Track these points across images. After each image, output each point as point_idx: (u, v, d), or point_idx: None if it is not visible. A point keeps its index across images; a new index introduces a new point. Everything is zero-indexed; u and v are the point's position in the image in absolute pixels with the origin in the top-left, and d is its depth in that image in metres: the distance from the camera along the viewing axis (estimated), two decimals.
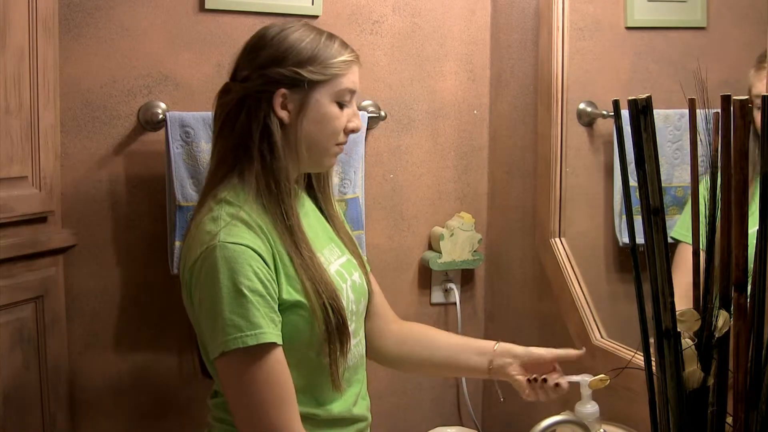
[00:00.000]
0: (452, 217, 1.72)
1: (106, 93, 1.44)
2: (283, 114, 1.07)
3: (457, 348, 1.24)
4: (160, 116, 1.44)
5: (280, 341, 1.00)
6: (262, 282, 0.99)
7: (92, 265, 1.46)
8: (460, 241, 1.68)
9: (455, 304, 1.74)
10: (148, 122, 1.45)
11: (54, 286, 1.38)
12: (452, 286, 1.74)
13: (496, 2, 1.70)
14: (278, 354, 1.00)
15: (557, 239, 1.45)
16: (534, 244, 1.54)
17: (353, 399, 1.15)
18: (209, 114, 1.42)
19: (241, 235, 1.01)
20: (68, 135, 1.42)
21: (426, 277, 1.74)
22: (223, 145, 1.10)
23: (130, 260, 1.49)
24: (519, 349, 1.18)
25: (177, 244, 1.42)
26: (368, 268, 1.26)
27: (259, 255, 1.00)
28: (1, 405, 1.25)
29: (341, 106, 1.10)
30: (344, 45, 1.11)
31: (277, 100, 1.06)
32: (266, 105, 1.06)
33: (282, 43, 1.07)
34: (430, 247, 1.73)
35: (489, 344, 1.21)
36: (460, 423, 1.79)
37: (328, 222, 1.22)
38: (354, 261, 1.20)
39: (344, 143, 1.14)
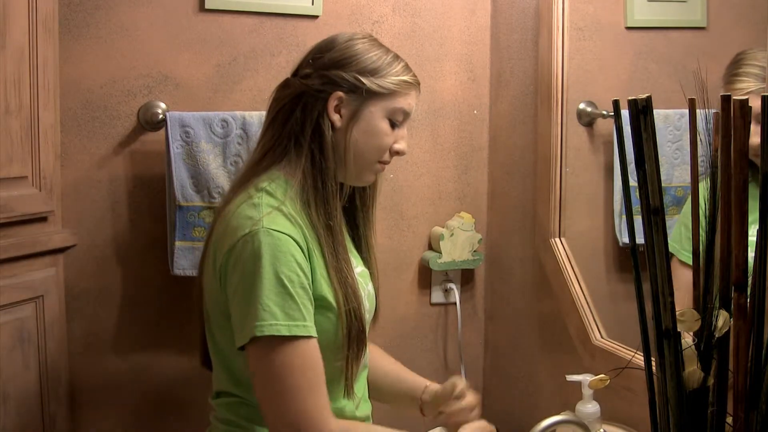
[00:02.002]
0: (452, 217, 1.72)
1: (106, 93, 1.44)
2: (335, 117, 1.08)
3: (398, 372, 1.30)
4: (160, 116, 1.44)
5: (314, 333, 1.00)
6: (303, 274, 1.00)
7: (92, 265, 1.46)
8: (460, 241, 1.68)
9: (455, 304, 1.73)
10: (148, 122, 1.45)
11: (54, 286, 1.38)
12: (452, 286, 1.74)
13: (496, 2, 1.70)
14: (313, 343, 1.00)
15: (557, 239, 1.45)
16: (534, 244, 1.54)
17: (356, 401, 1.16)
18: (209, 114, 1.43)
19: (284, 224, 1.01)
20: (68, 135, 1.42)
21: (426, 277, 1.74)
22: (272, 137, 1.11)
23: (130, 260, 1.49)
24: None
25: (177, 244, 1.42)
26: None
27: (300, 247, 1.01)
28: (1, 405, 1.25)
29: (393, 125, 1.12)
30: (408, 68, 1.13)
31: (332, 102, 1.08)
32: (321, 104, 1.08)
33: (349, 49, 1.10)
34: (430, 247, 1.73)
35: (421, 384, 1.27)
36: None
37: (355, 237, 1.23)
38: (368, 274, 1.21)
39: (387, 163, 1.15)
